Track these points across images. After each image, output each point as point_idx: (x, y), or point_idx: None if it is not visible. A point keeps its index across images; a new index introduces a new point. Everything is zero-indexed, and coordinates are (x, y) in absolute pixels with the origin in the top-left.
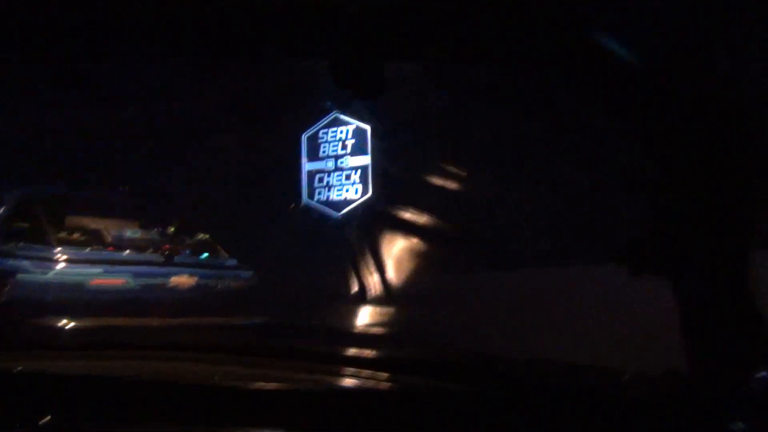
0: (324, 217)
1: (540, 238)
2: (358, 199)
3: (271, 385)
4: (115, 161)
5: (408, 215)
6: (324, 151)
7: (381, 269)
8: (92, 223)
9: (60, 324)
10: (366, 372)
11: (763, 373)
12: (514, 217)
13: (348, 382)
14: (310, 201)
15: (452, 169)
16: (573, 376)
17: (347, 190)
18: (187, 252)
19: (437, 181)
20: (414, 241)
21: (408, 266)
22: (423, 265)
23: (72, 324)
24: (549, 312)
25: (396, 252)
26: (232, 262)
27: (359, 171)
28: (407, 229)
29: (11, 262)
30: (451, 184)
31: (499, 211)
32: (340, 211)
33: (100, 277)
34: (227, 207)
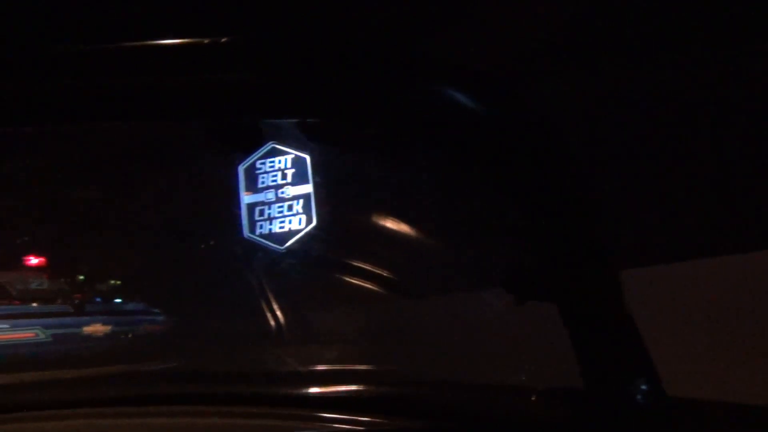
0: (264, 251)
1: (450, 274)
2: (302, 229)
3: None
4: (23, 211)
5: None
6: (263, 182)
7: (294, 307)
8: None
9: None
10: (284, 411)
11: (643, 386)
12: (424, 253)
13: (266, 423)
14: (251, 235)
15: (380, 206)
16: (490, 397)
17: (290, 221)
18: (99, 299)
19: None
20: (328, 276)
21: (323, 301)
22: (335, 299)
23: None
24: (458, 337)
25: (318, 288)
26: (146, 306)
27: (301, 200)
28: (332, 264)
29: None
30: (380, 221)
31: (415, 247)
32: (283, 244)
33: (7, 332)
34: (143, 250)
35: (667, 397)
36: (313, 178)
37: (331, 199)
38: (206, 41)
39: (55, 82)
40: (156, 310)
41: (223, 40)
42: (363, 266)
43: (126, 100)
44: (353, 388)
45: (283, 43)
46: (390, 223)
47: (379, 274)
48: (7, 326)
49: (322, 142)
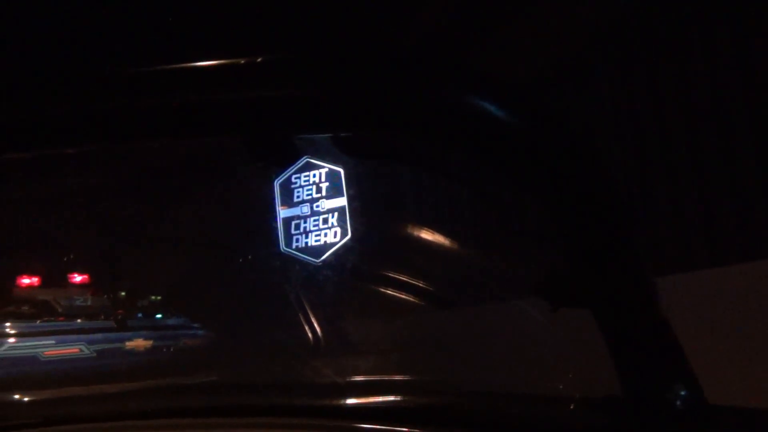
0: (303, 264)
1: (486, 283)
2: (338, 242)
3: None
4: (66, 229)
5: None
6: (298, 196)
7: (331, 318)
8: (41, 295)
9: (16, 400)
10: (323, 422)
11: (683, 392)
12: (459, 262)
13: None
14: (288, 249)
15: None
16: (528, 406)
17: (325, 234)
18: (140, 315)
19: (402, 230)
20: (364, 287)
21: (359, 312)
22: (371, 310)
23: (28, 398)
24: (495, 346)
25: (356, 300)
26: (186, 320)
27: (336, 213)
28: (369, 276)
29: None
30: (414, 232)
31: (453, 258)
32: (319, 257)
33: (53, 348)
34: (183, 265)
35: (708, 403)
36: (347, 190)
37: (365, 211)
38: (243, 61)
39: (104, 103)
40: (196, 324)
41: (259, 59)
42: (398, 277)
43: (169, 118)
44: (391, 398)
45: (317, 60)
46: (424, 234)
47: (414, 284)
48: (53, 342)
49: (355, 154)
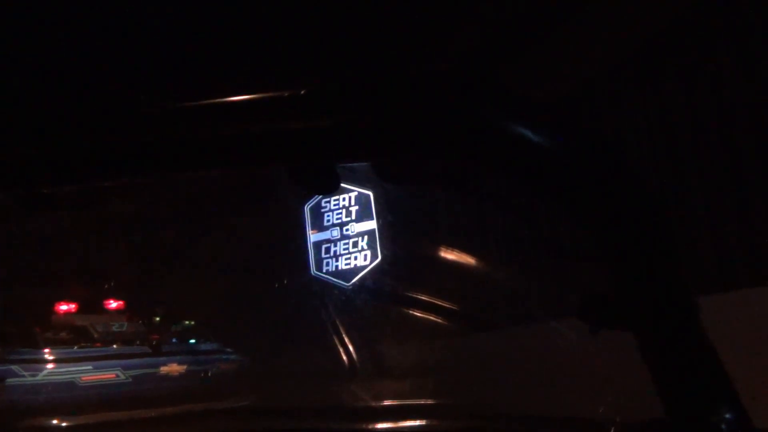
0: (331, 288)
1: (524, 304)
2: (368, 265)
3: None
4: (102, 256)
5: (403, 283)
6: (328, 220)
7: (364, 342)
8: (78, 320)
9: (54, 425)
10: None
11: (728, 416)
12: (506, 287)
13: None
14: (318, 273)
15: (447, 240)
16: (566, 430)
17: (355, 258)
18: (174, 340)
19: (435, 250)
20: (397, 310)
21: (393, 335)
22: (405, 333)
23: (66, 424)
24: (534, 368)
25: (386, 323)
26: (220, 345)
27: (366, 237)
28: (399, 298)
29: (1, 367)
30: (445, 254)
31: (486, 281)
32: (350, 280)
33: (90, 374)
34: (215, 291)
35: (754, 428)
36: (377, 213)
37: (395, 233)
38: (286, 94)
39: (155, 137)
40: (228, 349)
41: (302, 92)
42: (430, 300)
43: (216, 150)
44: (427, 422)
45: (359, 89)
46: (455, 256)
47: (447, 307)
48: (91, 368)
49: (385, 178)
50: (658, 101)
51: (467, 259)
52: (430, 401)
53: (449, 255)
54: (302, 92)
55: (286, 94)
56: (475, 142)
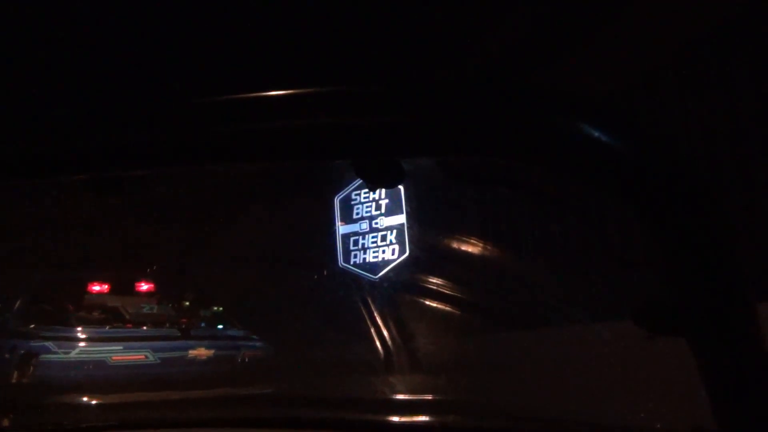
0: (358, 281)
1: (561, 304)
2: (396, 259)
3: None
4: (136, 240)
5: (433, 279)
6: (358, 213)
7: (397, 336)
8: (110, 301)
9: (84, 403)
10: None
11: None
12: (541, 285)
13: None
14: (346, 265)
15: (477, 238)
16: None
17: (383, 251)
18: (203, 324)
19: (464, 247)
20: (428, 306)
21: (427, 331)
22: (442, 330)
23: (96, 402)
24: (570, 371)
25: (413, 318)
26: (247, 332)
27: (395, 231)
28: (427, 294)
29: (35, 343)
30: (477, 251)
31: (528, 280)
32: (377, 273)
33: (120, 354)
34: (245, 279)
35: None
36: (407, 208)
37: (424, 228)
38: (350, 89)
39: (220, 127)
40: (255, 336)
41: (361, 88)
42: (462, 296)
43: (276, 142)
44: (451, 418)
45: (415, 88)
46: (488, 254)
47: (476, 304)
48: (121, 348)
49: (417, 172)
50: (727, 101)
51: (498, 258)
52: (456, 397)
53: (480, 252)
54: (374, 89)
55: (356, 90)
56: (544, 144)
